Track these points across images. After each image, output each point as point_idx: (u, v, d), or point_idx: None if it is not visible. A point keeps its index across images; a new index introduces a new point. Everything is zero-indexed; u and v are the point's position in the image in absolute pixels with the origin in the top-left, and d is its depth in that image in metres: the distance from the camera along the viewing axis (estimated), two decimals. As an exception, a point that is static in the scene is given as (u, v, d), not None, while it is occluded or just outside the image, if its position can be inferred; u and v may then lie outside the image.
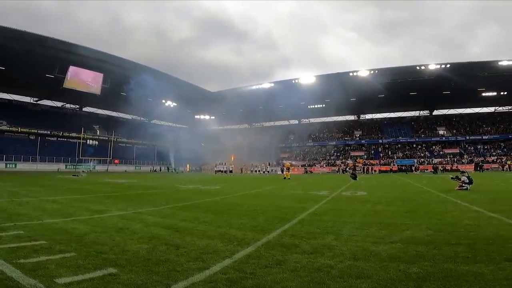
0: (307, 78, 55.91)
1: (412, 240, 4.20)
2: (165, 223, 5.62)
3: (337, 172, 50.48)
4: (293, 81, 57.27)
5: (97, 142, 56.06)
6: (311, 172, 53.70)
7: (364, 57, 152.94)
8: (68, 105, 61.64)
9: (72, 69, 48.25)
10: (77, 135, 51.26)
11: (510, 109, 60.38)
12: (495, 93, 55.55)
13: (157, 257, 3.52)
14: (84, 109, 63.96)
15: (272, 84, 59.51)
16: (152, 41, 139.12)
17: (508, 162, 45.73)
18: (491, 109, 61.70)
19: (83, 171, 32.71)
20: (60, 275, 2.86)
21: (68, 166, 48.53)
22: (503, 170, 43.59)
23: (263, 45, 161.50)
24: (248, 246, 4.03)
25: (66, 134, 54.74)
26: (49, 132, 53.48)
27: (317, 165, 58.88)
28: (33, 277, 2.80)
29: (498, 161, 48.96)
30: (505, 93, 55.00)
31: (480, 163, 45.70)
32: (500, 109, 61.12)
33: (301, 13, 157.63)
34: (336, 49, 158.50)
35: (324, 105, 62.51)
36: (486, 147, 55.25)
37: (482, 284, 2.61)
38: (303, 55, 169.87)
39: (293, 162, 36.11)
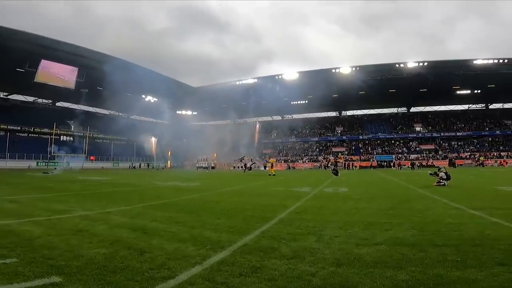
0: (290, 74, 55.93)
1: (397, 241, 3.97)
2: (133, 224, 5.16)
3: (319, 168, 50.94)
4: (277, 77, 57.17)
5: (71, 138, 53.68)
6: (294, 168, 53.93)
7: (346, 51, 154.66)
8: (40, 100, 58.62)
9: (44, 63, 46.41)
10: (49, 131, 48.80)
11: (483, 107, 63.09)
12: (469, 91, 57.79)
13: (115, 263, 3.14)
14: (58, 104, 61.12)
15: (256, 80, 59.15)
16: (126, 32, 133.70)
17: (481, 158, 47.76)
18: (465, 107, 64.22)
19: (55, 168, 31.09)
20: (-10, 284, 2.50)
21: (39, 163, 46.11)
22: (476, 165, 45.41)
23: (245, 37, 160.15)
24: (222, 250, 3.68)
25: (37, 130, 52.06)
26: (19, 128, 50.85)
27: (299, 161, 59.22)
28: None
29: (471, 157, 51.05)
30: (479, 91, 57.35)
31: (453, 159, 47.47)
32: (473, 107, 63.75)
33: (282, 4, 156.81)
34: (319, 42, 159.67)
35: (306, 101, 62.83)
36: (459, 143, 57.46)
37: (478, 293, 2.36)
38: (285, 48, 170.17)
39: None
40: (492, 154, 51.28)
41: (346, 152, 60.92)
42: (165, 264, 3.14)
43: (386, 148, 59.51)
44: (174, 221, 5.51)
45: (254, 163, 27.76)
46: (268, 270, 2.98)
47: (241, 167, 52.05)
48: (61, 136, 52.81)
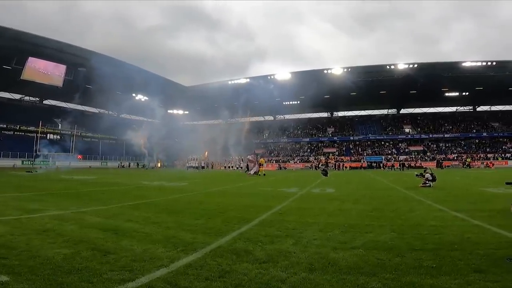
0: (282, 74, 55.96)
1: (375, 245, 3.84)
2: (105, 224, 4.96)
3: (310, 168, 51.05)
4: (269, 77, 57.16)
5: (59, 137, 52.54)
6: (285, 168, 53.97)
7: (338, 51, 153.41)
8: (27, 98, 57.35)
9: (31, 60, 45.79)
10: (35, 129, 47.68)
11: (471, 109, 64.20)
12: (457, 94, 58.74)
13: (74, 264, 3.01)
14: (45, 102, 59.83)
15: (248, 80, 58.97)
16: (115, 30, 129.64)
17: (468, 160, 48.53)
18: (453, 109, 65.24)
19: (40, 167, 30.37)
20: None
21: (25, 162, 44.96)
22: (463, 167, 46.20)
23: (238, 35, 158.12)
24: (194, 252, 3.53)
25: (23, 127, 50.77)
26: (5, 126, 49.57)
27: (291, 161, 59.28)
28: None
29: (458, 159, 51.89)
30: (467, 93, 58.36)
31: (440, 160, 48.12)
32: (461, 109, 64.78)
33: (276, 3, 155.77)
34: (312, 41, 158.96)
35: (298, 102, 62.96)
36: (447, 145, 58.38)
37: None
38: (278, 47, 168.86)
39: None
40: (478, 155, 52.21)
41: (337, 152, 61.25)
42: (128, 266, 3.00)
43: (376, 149, 60.06)
44: (150, 221, 5.33)
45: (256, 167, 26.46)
46: (237, 274, 2.83)
47: (231, 167, 51.88)
48: (48, 135, 51.69)
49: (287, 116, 73.12)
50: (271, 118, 74.68)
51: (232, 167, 52.16)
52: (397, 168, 43.61)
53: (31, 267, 2.89)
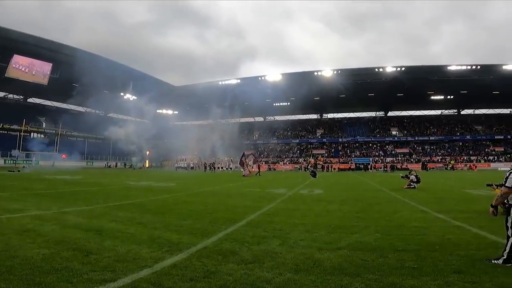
0: (273, 75, 56.12)
1: (360, 245, 3.89)
2: (88, 225, 4.85)
3: (299, 169, 51.34)
4: (260, 78, 57.22)
5: (42, 135, 51.10)
6: (274, 169, 54.07)
7: (329, 51, 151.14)
8: (11, 96, 55.69)
9: (16, 57, 44.63)
10: (18, 128, 46.28)
11: (455, 112, 65.92)
12: (442, 97, 60.19)
13: (53, 264, 2.95)
14: (30, 100, 58.15)
15: (239, 80, 58.89)
16: (100, 26, 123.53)
17: (452, 162, 49.74)
18: (438, 112, 66.81)
19: (23, 166, 29.48)
20: None
21: (7, 161, 43.54)
22: (446, 169, 47.38)
23: (228, 32, 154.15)
24: (179, 252, 3.50)
25: (6, 126, 49.16)
26: (-13, 124, 47.92)
27: (280, 163, 59.46)
28: None
29: (442, 161, 53.20)
30: (452, 97, 59.85)
31: (425, 163, 49.19)
32: (446, 112, 66.42)
33: (266, 2, 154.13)
34: (302, 41, 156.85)
35: (289, 103, 63.20)
36: (432, 147, 59.73)
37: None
38: (269, 45, 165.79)
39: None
40: (462, 158, 53.64)
41: (326, 154, 61.80)
42: (110, 266, 2.95)
43: (364, 151, 60.91)
44: (135, 222, 5.26)
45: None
46: (222, 275, 2.82)
47: (221, 167, 51.61)
48: (32, 133, 50.22)
49: (277, 117, 73.38)
50: (261, 119, 74.77)
51: (222, 167, 51.90)
52: (386, 169, 44.11)
53: (9, 267, 2.84)
